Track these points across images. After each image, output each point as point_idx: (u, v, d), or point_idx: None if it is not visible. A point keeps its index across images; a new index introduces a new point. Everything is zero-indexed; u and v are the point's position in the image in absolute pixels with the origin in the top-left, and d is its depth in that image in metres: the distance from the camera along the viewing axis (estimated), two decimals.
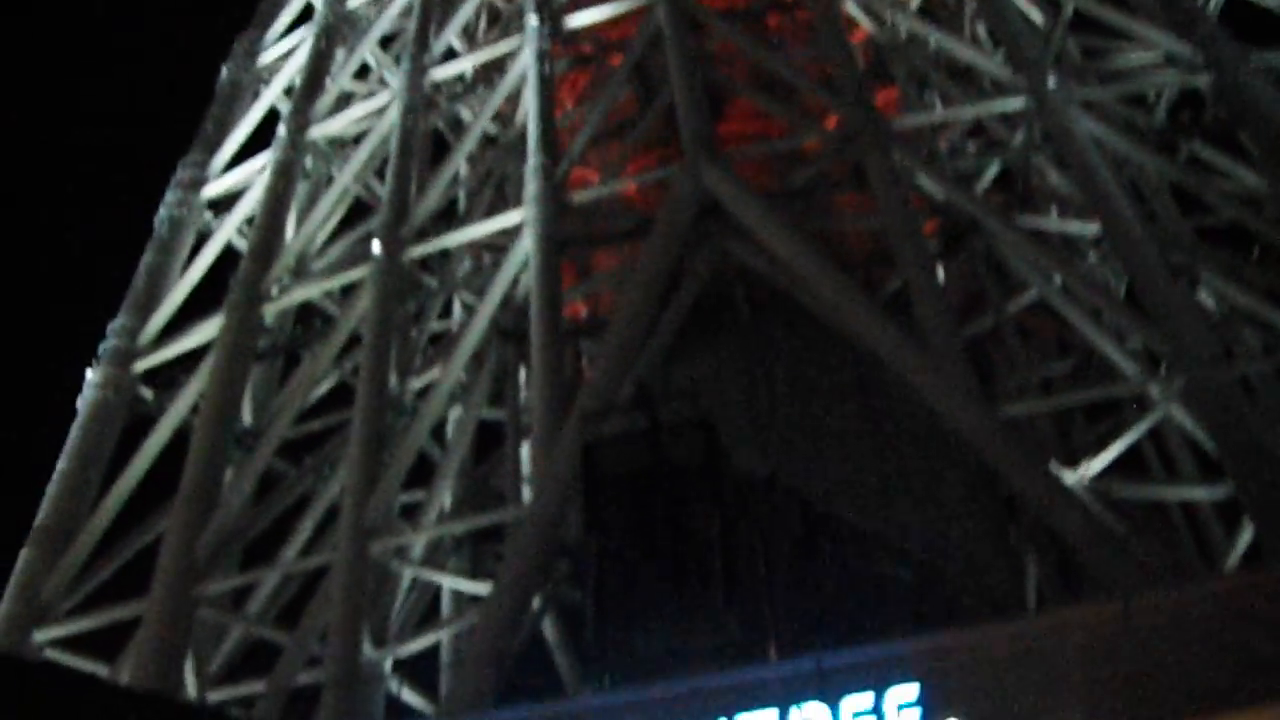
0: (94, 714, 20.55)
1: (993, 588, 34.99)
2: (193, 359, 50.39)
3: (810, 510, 29.56)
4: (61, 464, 49.41)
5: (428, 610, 49.11)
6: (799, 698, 13.13)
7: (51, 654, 43.16)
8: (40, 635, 42.95)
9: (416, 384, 48.31)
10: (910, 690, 13.06)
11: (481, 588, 45.15)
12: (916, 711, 12.85)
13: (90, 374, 51.97)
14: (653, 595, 23.24)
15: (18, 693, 21.08)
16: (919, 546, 33.50)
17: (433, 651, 46.70)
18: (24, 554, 46.92)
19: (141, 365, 51.66)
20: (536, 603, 38.53)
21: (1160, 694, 13.53)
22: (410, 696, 42.80)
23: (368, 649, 39.13)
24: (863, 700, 12.99)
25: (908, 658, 13.53)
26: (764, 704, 13.03)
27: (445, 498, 46.19)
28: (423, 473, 46.83)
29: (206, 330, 50.03)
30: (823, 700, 13.07)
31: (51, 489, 48.78)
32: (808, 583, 26.88)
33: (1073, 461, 38.72)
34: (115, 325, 52.67)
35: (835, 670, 13.47)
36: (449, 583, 45.16)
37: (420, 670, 44.64)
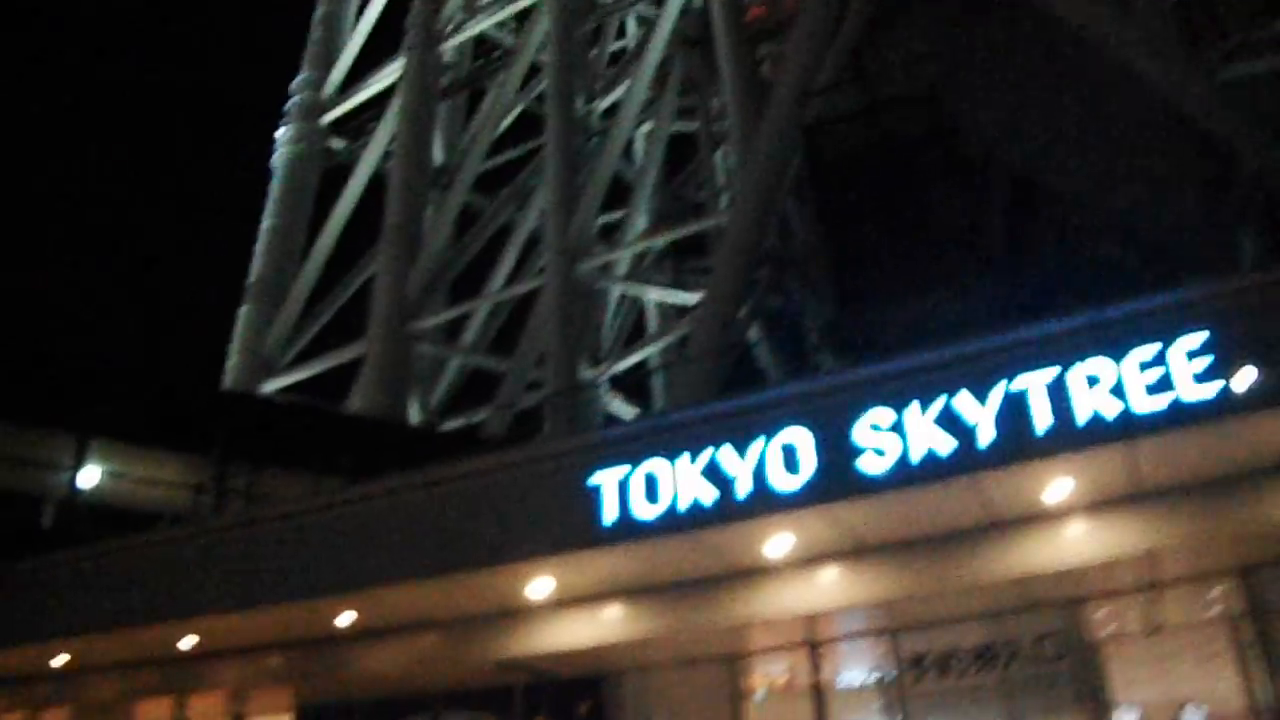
0: (331, 441, 21.59)
1: (1211, 263, 33.41)
2: (378, 105, 50.71)
3: (1031, 189, 28.35)
4: (266, 221, 50.87)
5: (635, 327, 49.87)
6: (1081, 353, 12.61)
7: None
8: (269, 385, 44.91)
9: (603, 104, 47.58)
10: (1198, 338, 12.41)
11: (689, 297, 45.50)
12: (1206, 359, 12.22)
13: (281, 132, 53.00)
14: (889, 273, 22.71)
15: (264, 427, 22.22)
16: (1140, 225, 32.02)
17: (643, 366, 47.62)
18: (243, 311, 48.96)
19: (329, 117, 52.36)
20: (744, 310, 38.69)
21: None
22: (624, 409, 43.73)
23: (584, 368, 40.04)
24: (1148, 351, 12.38)
25: (1195, 304, 12.80)
26: (1044, 362, 12.55)
27: (643, 215, 46.01)
28: (619, 192, 46.66)
29: (388, 75, 50.05)
30: (1106, 354, 12.50)
31: (260, 245, 50.41)
32: (1030, 263, 26.01)
33: None
34: (298, 81, 53.12)
35: (1117, 321, 12.88)
36: (657, 296, 45.40)
37: (633, 385, 45.48)
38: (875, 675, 15.23)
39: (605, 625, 14.06)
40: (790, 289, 41.86)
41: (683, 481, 11.69)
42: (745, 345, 39.44)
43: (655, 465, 11.92)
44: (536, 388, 41.91)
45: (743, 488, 11.61)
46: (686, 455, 11.85)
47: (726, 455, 11.75)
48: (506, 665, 15.09)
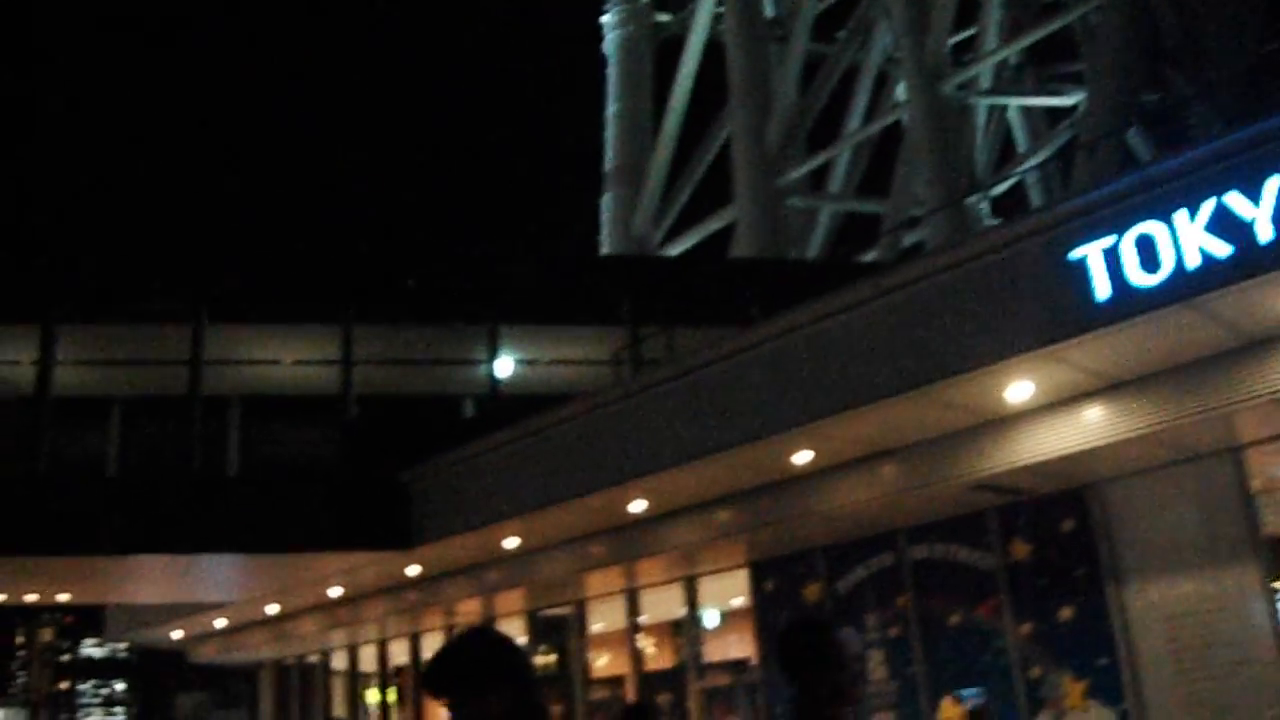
0: (736, 290, 20.67)
1: None
2: None
3: None
4: (611, 107, 50.99)
5: (1005, 145, 47.06)
6: None
7: None
8: None
9: None
10: None
11: (1065, 100, 42.37)
12: None
13: (606, 18, 52.85)
14: None
15: (668, 287, 21.56)
16: None
17: (1019, 187, 44.91)
18: (605, 199, 49.51)
19: None
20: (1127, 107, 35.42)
21: None
22: None
23: (969, 198, 37.94)
24: None
25: None
26: None
27: (995, 25, 42.77)
28: (967, 8, 43.52)
29: None
30: None
31: (610, 132, 50.65)
32: None
33: None
34: None
35: None
36: (1029, 103, 42.41)
37: (1009, 208, 42.93)
38: None
39: (1089, 427, 12.48)
40: (1175, 80, 38.07)
41: (1185, 239, 9.92)
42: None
43: (1148, 227, 10.17)
44: (913, 225, 40.01)
45: (1264, 233, 9.69)
46: (1184, 211, 10.03)
47: (1236, 201, 9.85)
48: (978, 487, 13.78)
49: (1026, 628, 14.61)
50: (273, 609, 24.22)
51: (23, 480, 18.29)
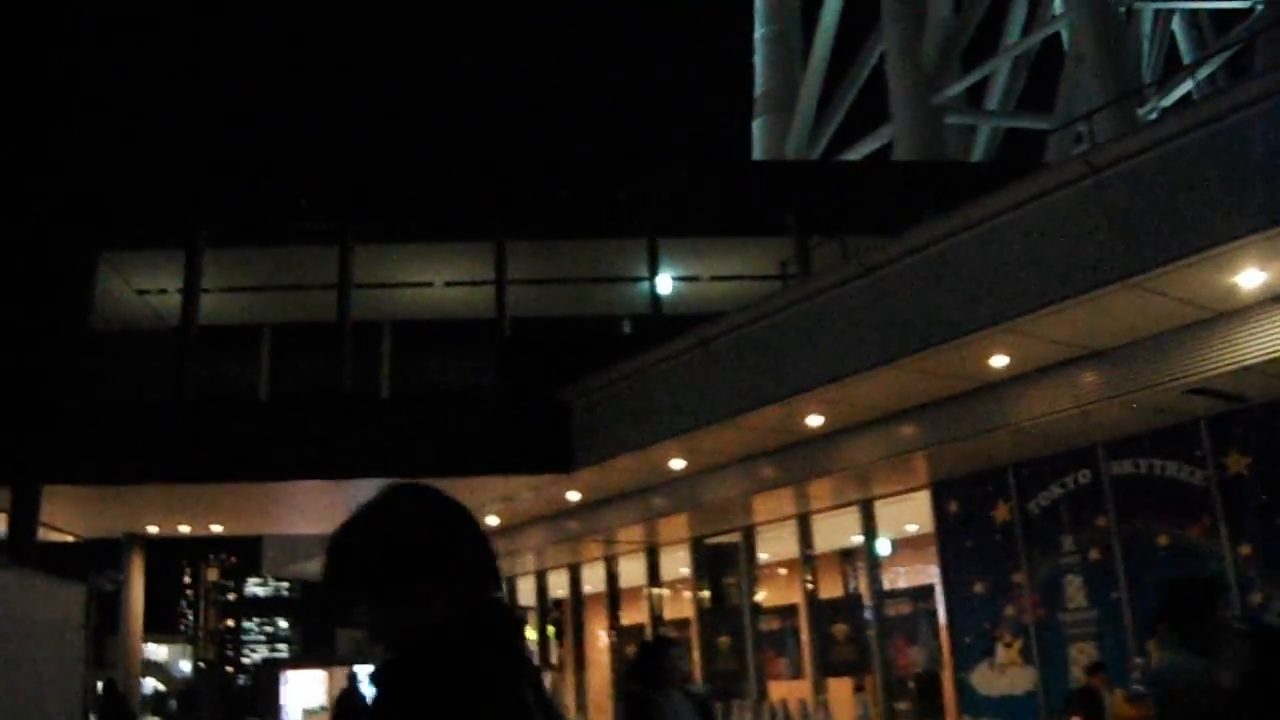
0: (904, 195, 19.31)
1: None
2: None
3: None
4: (758, 31, 49.46)
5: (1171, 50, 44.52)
6: None
7: None
8: None
9: None
10: None
11: (1237, 3, 39.76)
12: None
13: None
14: None
15: (834, 193, 20.33)
16: None
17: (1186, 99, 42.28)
18: (757, 124, 48.11)
19: None
20: None
21: None
22: None
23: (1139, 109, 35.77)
24: None
25: None
26: None
27: None
28: None
29: None
30: None
31: (759, 57, 49.15)
32: None
33: None
34: None
35: None
36: (1199, 7, 39.79)
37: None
38: None
39: None
40: None
41: None
42: None
43: None
44: (1079, 140, 37.85)
45: None
46: None
47: None
48: (1193, 391, 12.41)
49: (1246, 549, 13.23)
50: None
51: (175, 408, 18.06)
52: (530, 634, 26.45)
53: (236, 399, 20.15)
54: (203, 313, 19.25)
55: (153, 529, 21.86)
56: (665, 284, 20.26)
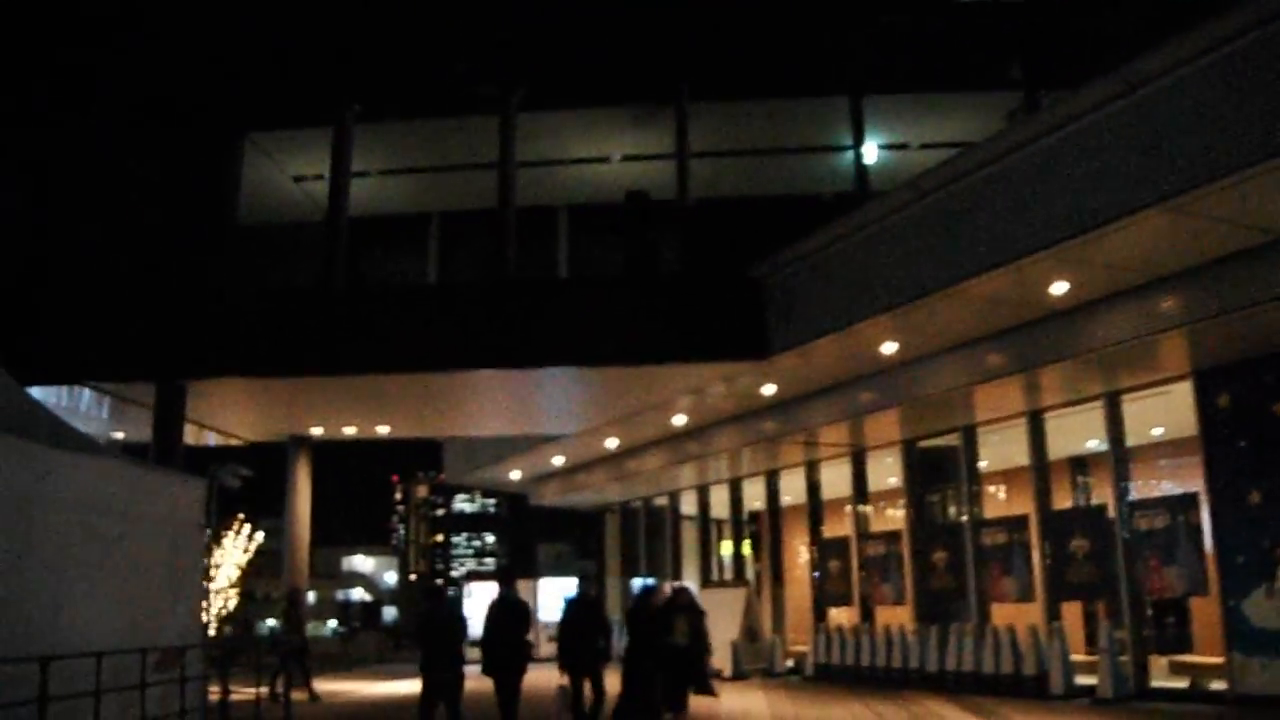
0: None
1: None
2: None
3: None
4: None
5: None
6: None
7: None
8: None
9: None
10: None
11: None
12: None
13: None
14: None
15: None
16: None
17: None
18: None
19: None
20: None
21: None
22: None
23: None
24: None
25: None
26: None
27: None
28: None
29: None
30: None
31: None
32: None
33: None
34: None
35: None
36: None
37: None
38: None
39: None
40: None
41: None
42: None
43: None
44: None
45: None
46: None
47: None
48: None
49: None
50: (612, 443, 22.13)
51: (331, 296, 16.59)
52: (725, 549, 24.68)
53: (408, 288, 18.67)
54: (364, 201, 17.75)
55: (316, 430, 20.67)
56: (870, 153, 17.75)
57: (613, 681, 11.69)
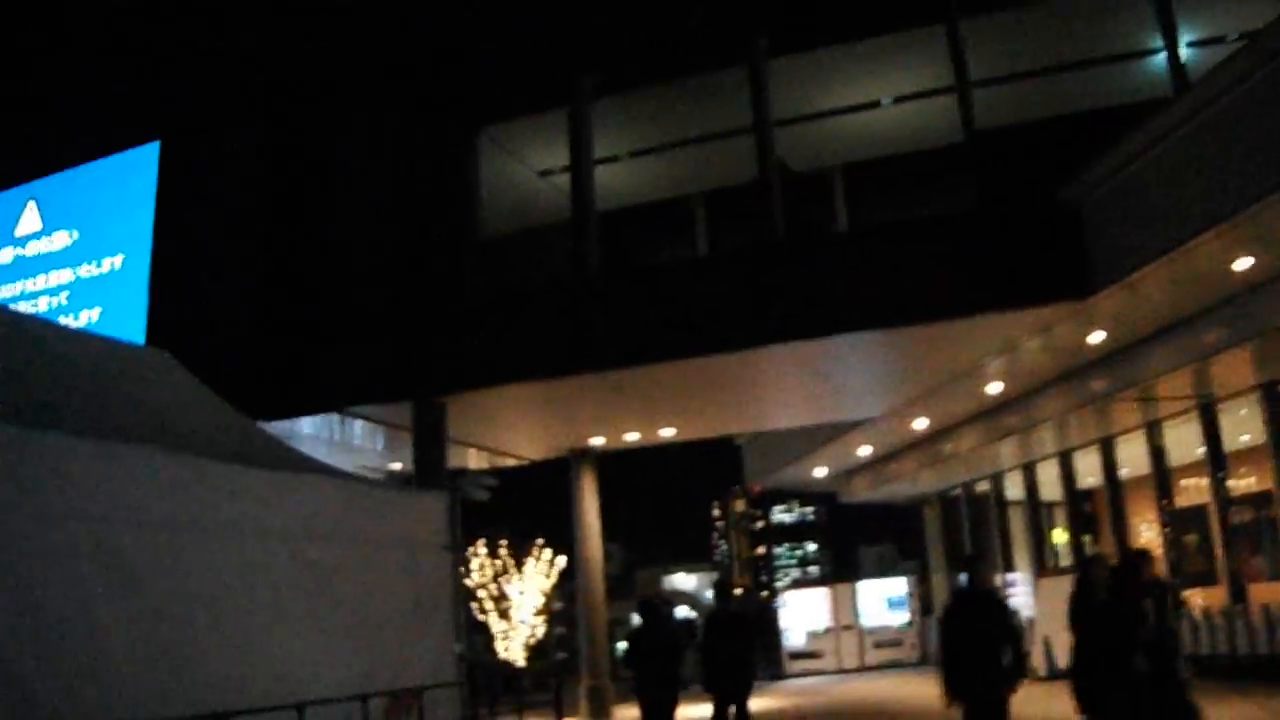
0: None
1: None
2: None
3: None
4: None
5: None
6: None
7: None
8: None
9: None
10: None
11: None
12: None
13: None
14: None
15: None
16: None
17: None
18: None
19: None
20: None
21: None
22: None
23: None
24: None
25: None
26: None
27: None
28: None
29: None
30: None
31: None
32: None
33: None
34: None
35: None
36: None
37: None
38: None
39: None
40: None
41: None
42: None
43: None
44: None
45: None
46: None
47: None
48: None
49: None
50: (921, 423, 20.04)
51: (582, 287, 15.33)
52: (1060, 536, 22.12)
53: (659, 265, 17.35)
54: (617, 189, 16.55)
55: (596, 440, 19.49)
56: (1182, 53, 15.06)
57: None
